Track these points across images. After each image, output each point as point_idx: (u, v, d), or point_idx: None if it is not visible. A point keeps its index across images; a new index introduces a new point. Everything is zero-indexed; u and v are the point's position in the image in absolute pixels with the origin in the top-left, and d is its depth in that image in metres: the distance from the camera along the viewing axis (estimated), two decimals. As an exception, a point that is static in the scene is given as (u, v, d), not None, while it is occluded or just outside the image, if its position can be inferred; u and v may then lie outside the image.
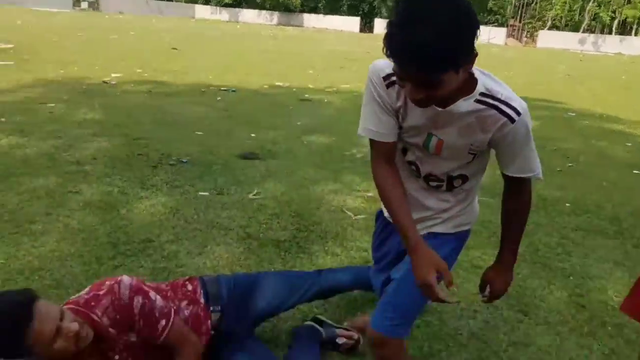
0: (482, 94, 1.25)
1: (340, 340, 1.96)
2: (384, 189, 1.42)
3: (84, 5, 42.48)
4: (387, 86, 1.32)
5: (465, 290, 2.44)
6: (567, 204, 3.71)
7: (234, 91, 7.37)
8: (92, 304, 1.49)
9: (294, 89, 8.13)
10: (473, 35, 1.09)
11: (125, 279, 1.55)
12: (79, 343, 1.38)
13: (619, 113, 8.13)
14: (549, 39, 39.77)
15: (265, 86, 8.12)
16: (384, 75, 1.31)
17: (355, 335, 1.98)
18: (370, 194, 3.60)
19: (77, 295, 1.57)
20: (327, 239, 2.90)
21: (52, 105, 5.49)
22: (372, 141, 1.40)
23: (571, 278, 2.64)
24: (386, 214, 1.63)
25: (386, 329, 1.43)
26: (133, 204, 3.17)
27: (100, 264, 2.48)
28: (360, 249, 2.79)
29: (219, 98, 6.76)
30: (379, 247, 1.74)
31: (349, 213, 3.26)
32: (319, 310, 2.20)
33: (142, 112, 5.57)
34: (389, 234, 1.66)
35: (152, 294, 1.58)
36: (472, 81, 1.24)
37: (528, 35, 45.86)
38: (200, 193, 3.41)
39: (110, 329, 1.49)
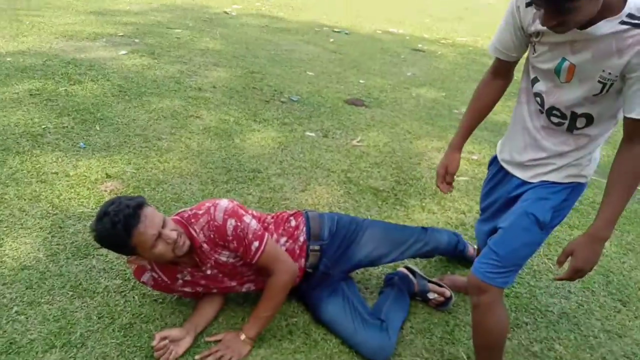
0: (630, 15, 1.17)
1: (431, 295, 2.00)
2: (476, 90, 1.66)
3: None
4: (527, 5, 1.33)
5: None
6: (695, 198, 3.38)
7: (347, 34, 7.32)
8: (192, 220, 1.67)
9: (407, 37, 7.89)
10: None
11: (222, 203, 1.67)
12: (176, 250, 1.58)
13: None
14: None
15: (379, 31, 7.95)
16: None
17: (448, 293, 2.01)
18: (474, 157, 3.53)
19: (184, 209, 1.77)
20: (426, 195, 2.92)
21: (179, 31, 5.84)
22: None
23: (684, 277, 2.46)
24: (500, 156, 1.63)
25: (486, 276, 1.44)
26: (246, 134, 3.38)
27: (214, 185, 2.72)
28: (458, 211, 2.79)
29: (331, 39, 6.76)
30: (487, 195, 1.73)
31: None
32: (411, 262, 2.27)
33: (259, 46, 5.75)
34: (500, 181, 1.65)
35: (246, 217, 1.67)
36: (621, 1, 1.18)
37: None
38: (307, 133, 3.55)
39: (205, 245, 1.66)
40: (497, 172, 1.67)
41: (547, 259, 2.44)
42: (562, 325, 2.03)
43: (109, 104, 3.51)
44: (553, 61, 1.34)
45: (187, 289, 1.80)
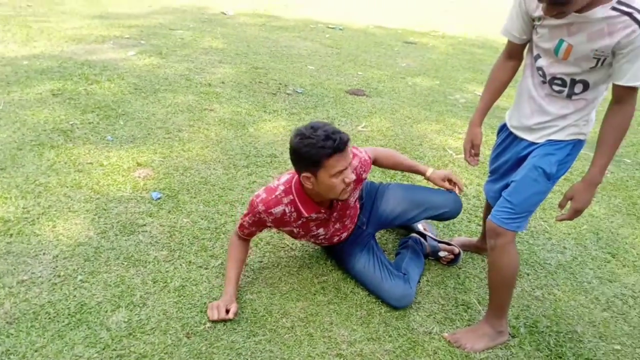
0: (618, 2, 1.43)
1: (442, 254, 2.26)
2: (492, 71, 1.90)
3: None
4: None
5: (557, 229, 2.65)
6: (675, 166, 3.67)
7: (341, 29, 7.56)
8: None
9: (399, 31, 8.15)
10: None
11: (359, 152, 1.99)
12: (343, 193, 1.77)
13: None
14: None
15: (371, 26, 8.20)
16: None
17: (457, 250, 2.26)
18: (472, 137, 3.79)
19: None
20: (429, 172, 3.18)
21: (181, 31, 6.05)
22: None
23: (666, 232, 2.75)
24: (509, 123, 1.88)
25: (502, 221, 1.69)
26: (259, 124, 3.61)
27: (236, 169, 2.95)
28: (460, 184, 3.05)
29: (327, 35, 7.00)
30: (497, 157, 1.97)
31: (451, 151, 3.49)
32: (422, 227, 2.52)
33: (259, 43, 5.97)
34: (509, 144, 1.89)
35: None
36: None
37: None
38: (315, 121, 3.78)
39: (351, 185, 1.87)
40: (506, 138, 1.92)
41: (543, 221, 2.71)
42: (559, 275, 2.30)
43: (127, 101, 3.73)
44: (552, 41, 1.59)
45: (300, 230, 1.99)
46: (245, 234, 2.02)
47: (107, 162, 2.86)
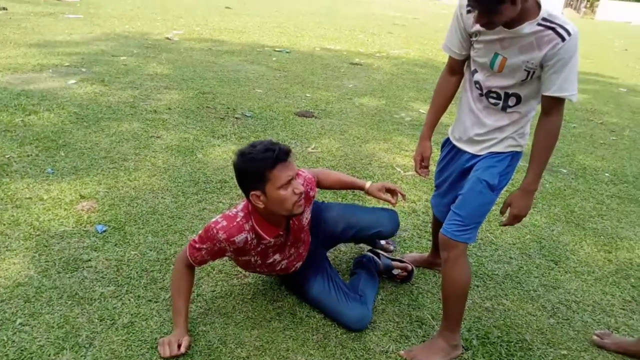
0: (543, 19, 1.57)
1: (395, 271, 2.29)
2: (436, 86, 1.99)
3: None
4: (468, 12, 1.70)
5: (503, 240, 2.74)
6: (606, 174, 3.91)
7: (287, 52, 7.64)
8: None
9: (344, 53, 8.33)
10: None
11: (302, 171, 1.98)
12: (296, 205, 1.74)
13: (673, 91, 7.99)
14: (609, 10, 37.77)
15: (317, 49, 8.34)
16: (466, 2, 1.68)
17: (409, 267, 2.29)
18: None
19: None
20: (379, 190, 3.23)
21: (124, 58, 5.94)
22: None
23: (602, 237, 2.90)
24: (452, 136, 1.97)
25: (453, 234, 1.76)
26: (207, 149, 3.57)
27: (185, 197, 2.89)
28: (409, 200, 3.11)
29: (274, 58, 7.06)
30: (442, 171, 2.05)
31: (399, 169, 3.57)
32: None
33: (205, 68, 5.94)
34: (452, 157, 1.97)
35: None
36: (537, 7, 1.57)
37: (587, 5, 43.65)
38: (265, 144, 3.78)
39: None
40: (450, 151, 2.00)
41: (489, 233, 2.80)
42: (507, 285, 2.38)
43: (68, 131, 3.60)
44: (487, 56, 1.71)
45: (258, 259, 1.94)
46: (197, 262, 1.94)
47: (48, 196, 2.74)
